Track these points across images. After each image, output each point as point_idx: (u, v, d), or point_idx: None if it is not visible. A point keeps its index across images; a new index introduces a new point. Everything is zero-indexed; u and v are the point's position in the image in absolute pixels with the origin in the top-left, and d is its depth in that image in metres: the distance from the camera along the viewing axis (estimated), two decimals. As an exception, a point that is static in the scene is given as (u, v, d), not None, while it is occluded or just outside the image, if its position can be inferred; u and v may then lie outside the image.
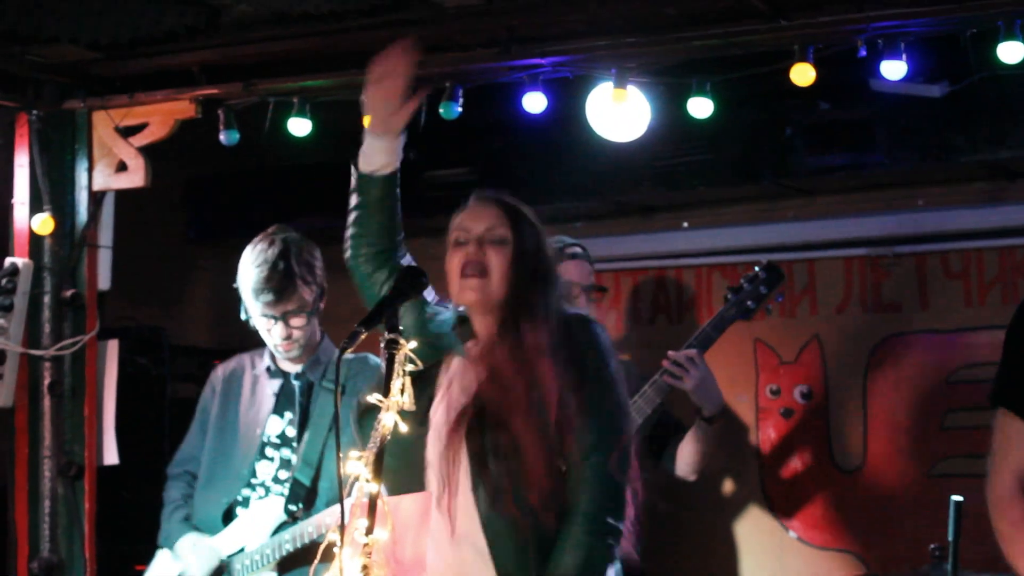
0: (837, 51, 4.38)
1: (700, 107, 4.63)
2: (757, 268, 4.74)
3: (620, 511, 3.36)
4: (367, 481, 2.92)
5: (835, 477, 5.50)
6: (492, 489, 3.30)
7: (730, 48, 4.51)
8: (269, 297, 4.37)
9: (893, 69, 4.34)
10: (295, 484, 4.40)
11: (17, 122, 5.16)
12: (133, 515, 5.60)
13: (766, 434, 5.64)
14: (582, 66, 4.67)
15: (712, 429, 4.64)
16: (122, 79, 5.09)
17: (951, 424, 5.26)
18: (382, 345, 3.05)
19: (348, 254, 3.61)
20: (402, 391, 3.03)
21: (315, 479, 4.39)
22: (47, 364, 5.12)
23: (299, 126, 4.95)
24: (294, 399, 4.51)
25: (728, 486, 5.67)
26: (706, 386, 4.58)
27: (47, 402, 5.12)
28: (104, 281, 5.25)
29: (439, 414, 3.41)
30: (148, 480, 5.46)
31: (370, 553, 2.90)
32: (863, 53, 4.34)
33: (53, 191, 5.12)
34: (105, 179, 5.17)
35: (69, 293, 5.12)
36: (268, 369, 4.57)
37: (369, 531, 2.90)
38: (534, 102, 4.71)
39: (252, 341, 4.61)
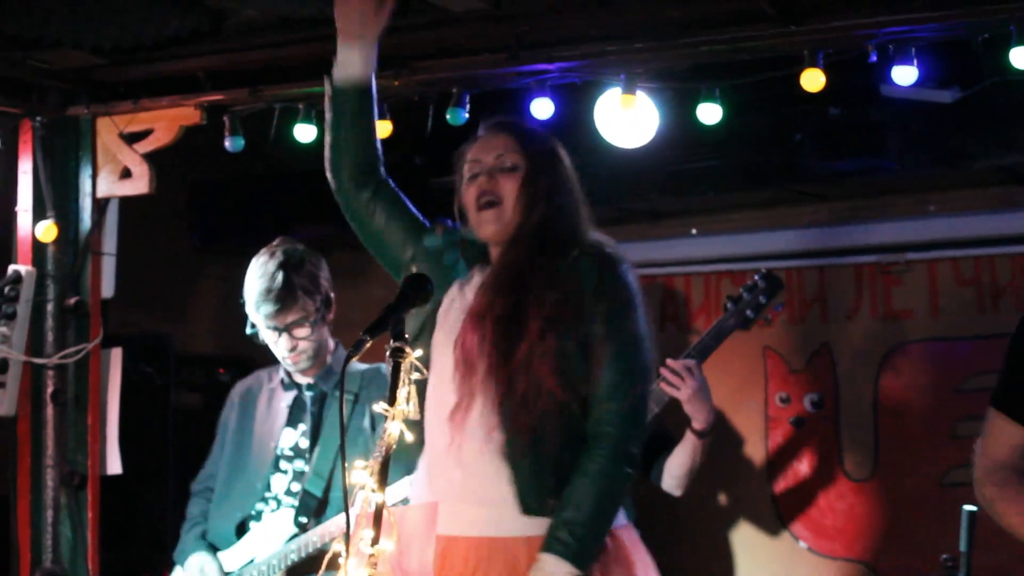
0: (848, 56, 4.35)
1: (709, 113, 4.60)
2: (756, 277, 4.73)
3: (640, 441, 3.34)
4: (372, 491, 2.89)
5: (846, 486, 5.47)
6: (518, 404, 3.24)
7: (739, 53, 4.47)
8: (270, 310, 4.37)
9: (904, 74, 4.30)
10: (305, 495, 4.39)
11: (20, 128, 5.14)
12: (137, 525, 5.59)
13: (775, 443, 5.61)
14: (590, 72, 4.64)
15: (702, 444, 4.59)
16: (126, 85, 5.07)
17: (963, 432, 5.22)
18: (387, 353, 3.01)
19: (329, 172, 3.58)
20: (408, 400, 2.98)
21: (326, 490, 4.38)
22: (50, 372, 5.09)
23: (305, 132, 4.92)
24: (307, 410, 4.51)
25: (737, 495, 5.64)
26: (700, 398, 4.54)
27: (50, 411, 5.09)
28: (108, 289, 5.23)
29: (451, 318, 3.37)
30: (152, 490, 5.45)
31: (376, 563, 2.87)
32: (874, 58, 4.31)
33: (57, 198, 5.10)
34: (109, 186, 5.15)
35: (72, 301, 5.09)
36: (283, 381, 4.58)
37: (375, 541, 2.87)
38: (542, 108, 4.68)
39: (258, 350, 4.59)
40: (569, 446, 3.29)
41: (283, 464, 4.49)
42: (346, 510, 2.86)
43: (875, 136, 5.09)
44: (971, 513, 3.73)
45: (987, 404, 3.29)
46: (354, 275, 5.69)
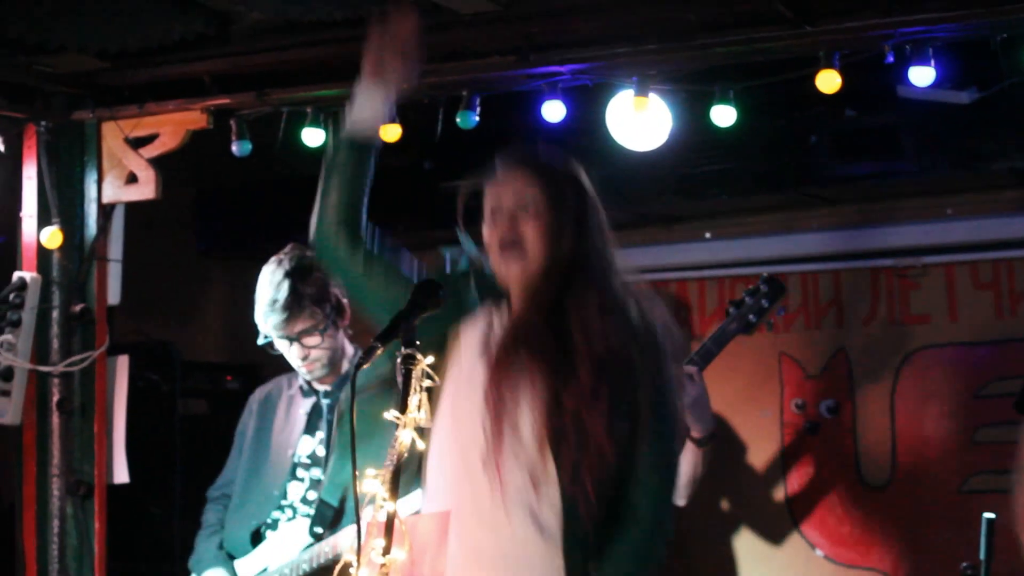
0: (863, 57, 4.32)
1: (723, 115, 4.58)
2: (759, 281, 4.72)
3: (673, 518, 3.22)
4: (384, 500, 2.86)
5: (862, 494, 5.43)
6: (573, 459, 3.08)
7: (754, 55, 4.45)
8: (278, 320, 4.35)
9: (921, 75, 4.27)
10: (321, 505, 4.37)
11: (25, 134, 5.13)
12: (144, 534, 5.57)
13: (791, 450, 5.57)
14: (602, 74, 4.61)
15: (701, 453, 4.56)
16: (131, 89, 5.05)
17: (982, 439, 5.19)
18: (399, 361, 2.96)
19: (316, 232, 3.43)
20: (419, 407, 2.95)
21: (342, 500, 4.35)
22: (56, 380, 5.07)
23: (313, 136, 4.90)
24: (324, 418, 4.49)
25: (753, 503, 5.59)
26: (701, 405, 4.52)
27: (56, 419, 5.07)
28: (114, 295, 5.21)
29: (471, 357, 3.22)
30: (159, 498, 5.42)
31: (387, 574, 2.84)
32: (890, 59, 4.28)
33: (62, 204, 5.09)
34: (115, 191, 5.13)
35: (78, 308, 5.08)
36: (301, 388, 4.56)
37: (386, 551, 2.84)
38: (553, 111, 4.65)
39: (266, 357, 4.56)
40: (605, 522, 3.14)
41: (300, 472, 4.47)
42: (357, 520, 2.84)
43: (891, 138, 5.05)
44: (991, 521, 3.70)
45: (1008, 410, 3.23)
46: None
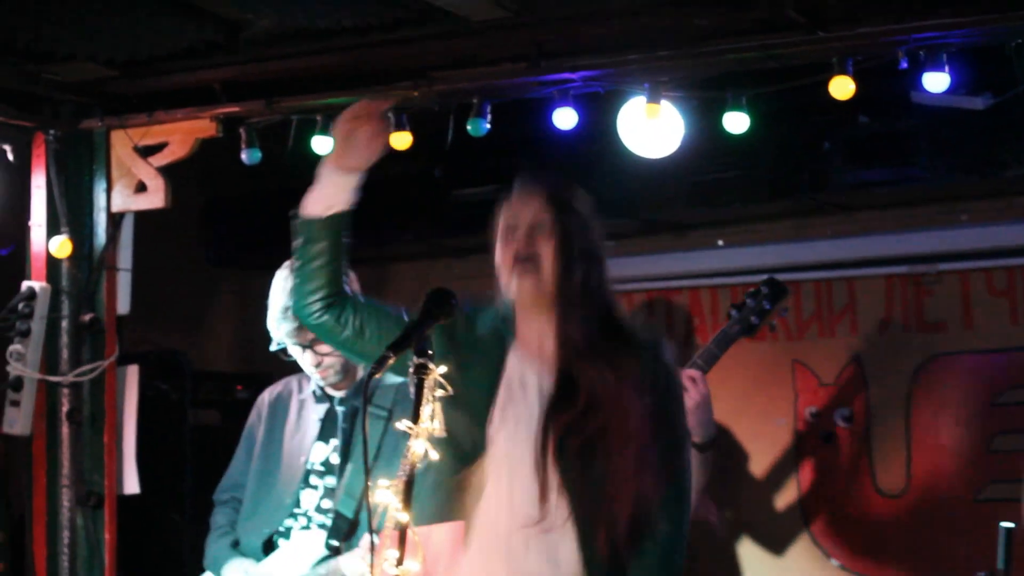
0: (877, 63, 4.29)
1: (735, 122, 4.54)
2: (760, 284, 4.73)
3: (684, 554, 3.28)
4: (397, 510, 2.85)
5: (878, 503, 5.41)
6: (590, 521, 3.18)
7: (766, 61, 4.42)
8: (290, 326, 4.32)
9: (935, 81, 4.24)
10: (337, 516, 4.34)
11: (34, 142, 5.11)
12: (154, 544, 5.55)
13: (805, 458, 5.55)
14: (613, 81, 4.59)
15: (703, 458, 4.54)
16: (140, 97, 5.04)
17: (998, 447, 5.17)
18: (411, 370, 2.95)
19: (295, 305, 3.48)
20: (432, 418, 2.94)
21: (358, 511, 4.32)
22: (65, 390, 5.06)
23: (323, 144, 4.86)
24: (338, 425, 4.45)
25: (767, 511, 5.57)
26: (703, 409, 4.52)
27: (65, 429, 5.06)
28: (123, 305, 5.20)
29: (508, 424, 3.29)
30: (169, 508, 5.40)
31: (400, 585, 2.83)
32: (904, 65, 4.25)
33: (71, 213, 5.08)
34: (124, 200, 5.12)
35: (87, 317, 5.07)
36: (314, 393, 4.52)
37: (399, 562, 2.83)
38: (564, 118, 4.62)
39: (276, 365, 4.54)
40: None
41: (313, 479, 4.43)
42: (370, 531, 2.85)
43: (905, 144, 5.04)
44: (1008, 530, 3.67)
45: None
46: (376, 289, 5.63)
